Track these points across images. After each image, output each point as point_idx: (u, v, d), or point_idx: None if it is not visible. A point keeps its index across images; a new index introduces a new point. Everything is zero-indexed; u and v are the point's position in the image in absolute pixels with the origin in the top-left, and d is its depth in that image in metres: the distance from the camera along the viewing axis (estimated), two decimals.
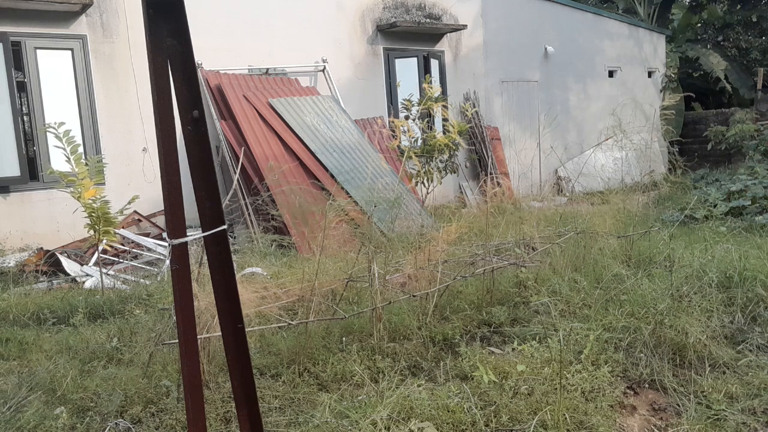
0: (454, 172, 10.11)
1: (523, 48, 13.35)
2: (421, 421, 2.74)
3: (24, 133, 7.95)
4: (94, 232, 5.90)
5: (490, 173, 11.29)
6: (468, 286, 4.89)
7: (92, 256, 6.98)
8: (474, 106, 12.07)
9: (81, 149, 6.30)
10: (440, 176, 9.74)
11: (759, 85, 15.80)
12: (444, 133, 9.84)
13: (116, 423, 3.07)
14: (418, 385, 3.12)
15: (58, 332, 4.67)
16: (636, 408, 3.15)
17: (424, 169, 9.45)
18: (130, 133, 8.53)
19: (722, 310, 4.06)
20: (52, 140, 5.88)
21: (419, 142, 9.67)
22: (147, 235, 7.77)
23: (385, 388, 3.15)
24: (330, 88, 10.26)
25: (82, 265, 6.91)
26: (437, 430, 2.77)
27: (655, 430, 2.96)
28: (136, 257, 7.29)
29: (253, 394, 2.06)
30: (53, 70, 8.06)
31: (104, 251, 6.83)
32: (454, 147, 9.51)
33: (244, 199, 8.04)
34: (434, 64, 11.77)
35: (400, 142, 9.27)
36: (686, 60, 17.96)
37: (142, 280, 6.34)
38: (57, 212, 7.87)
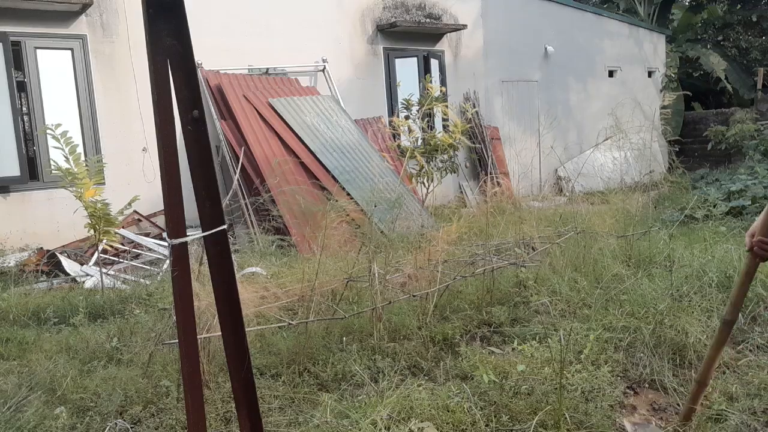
0: (454, 172, 10.11)
1: (523, 48, 13.35)
2: (421, 421, 2.74)
3: (24, 133, 7.95)
4: (95, 231, 5.91)
5: (490, 173, 11.28)
6: (468, 286, 4.88)
7: (92, 256, 6.98)
8: (474, 106, 12.07)
9: (80, 149, 6.29)
10: (440, 176, 9.74)
11: (759, 85, 15.81)
12: (444, 132, 9.84)
13: (116, 423, 3.07)
14: (418, 385, 3.12)
15: (58, 332, 4.67)
16: (636, 408, 3.15)
17: (424, 169, 9.45)
18: (130, 133, 8.52)
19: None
20: (52, 140, 5.89)
21: (419, 141, 9.67)
22: (147, 235, 7.77)
23: (385, 388, 3.15)
24: (330, 88, 10.26)
25: (82, 265, 6.91)
26: (437, 430, 2.77)
27: None
28: (136, 257, 7.29)
29: (253, 394, 2.06)
30: (53, 70, 8.05)
31: (104, 251, 6.83)
32: (456, 147, 9.51)
33: (244, 199, 8.03)
34: (434, 63, 11.76)
35: (400, 142, 9.27)
36: (686, 60, 17.95)
37: (142, 279, 6.34)
38: (57, 212, 7.87)
